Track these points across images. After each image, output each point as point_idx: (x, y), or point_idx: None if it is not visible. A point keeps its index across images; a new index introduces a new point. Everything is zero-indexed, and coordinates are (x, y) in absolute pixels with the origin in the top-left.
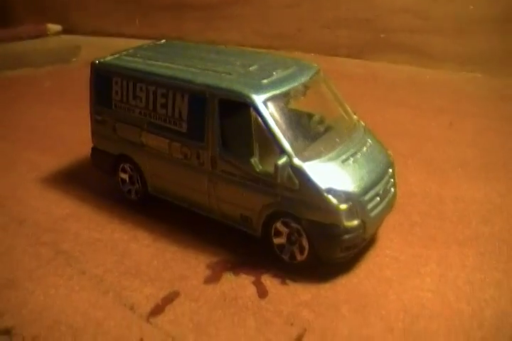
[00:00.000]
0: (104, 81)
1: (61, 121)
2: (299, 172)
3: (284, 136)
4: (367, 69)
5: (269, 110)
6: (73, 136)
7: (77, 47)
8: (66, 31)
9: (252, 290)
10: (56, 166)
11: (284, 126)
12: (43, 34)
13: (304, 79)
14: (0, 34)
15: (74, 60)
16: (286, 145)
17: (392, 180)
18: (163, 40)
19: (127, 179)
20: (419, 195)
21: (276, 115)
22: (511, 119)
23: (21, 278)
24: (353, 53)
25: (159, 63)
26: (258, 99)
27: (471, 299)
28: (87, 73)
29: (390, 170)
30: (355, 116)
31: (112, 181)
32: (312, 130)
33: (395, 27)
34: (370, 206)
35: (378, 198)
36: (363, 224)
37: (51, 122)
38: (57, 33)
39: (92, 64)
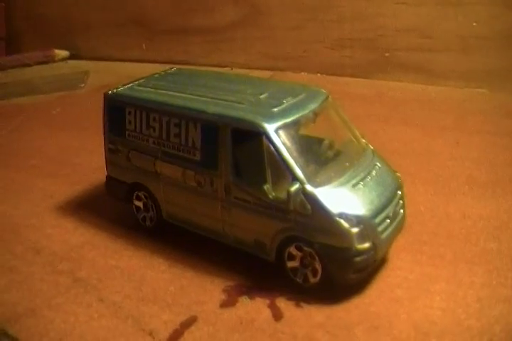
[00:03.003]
0: (117, 111)
1: (72, 149)
2: (311, 198)
3: (296, 164)
4: (372, 89)
5: (280, 138)
6: (85, 164)
7: (85, 73)
8: (73, 57)
9: (267, 313)
10: (70, 194)
11: (295, 154)
12: (50, 60)
13: (313, 106)
14: (7, 60)
15: (82, 85)
16: (299, 172)
17: (401, 201)
18: (173, 69)
19: (142, 206)
20: (427, 214)
21: (288, 143)
22: None
23: (40, 307)
24: (358, 73)
25: (171, 93)
26: (270, 128)
27: (480, 316)
28: (95, 99)
29: (399, 192)
30: (363, 140)
31: (126, 208)
32: (322, 155)
33: (398, 46)
34: (380, 228)
35: (388, 220)
36: (374, 246)
37: (62, 149)
38: (65, 59)
39: (105, 94)
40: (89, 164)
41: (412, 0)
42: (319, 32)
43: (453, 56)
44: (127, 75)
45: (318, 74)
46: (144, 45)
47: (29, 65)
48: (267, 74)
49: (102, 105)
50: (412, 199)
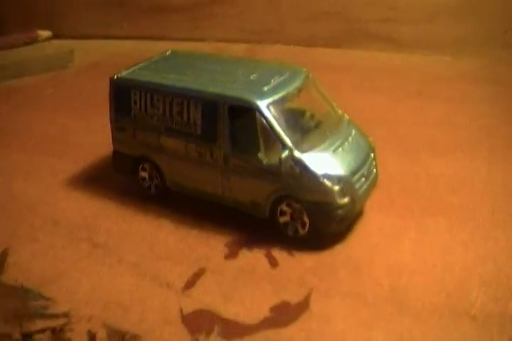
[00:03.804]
0: (122, 93)
1: (70, 128)
2: (299, 162)
3: (285, 134)
4: (343, 58)
5: (271, 113)
6: (85, 142)
7: (71, 52)
8: (56, 36)
9: (265, 261)
10: (76, 170)
11: (284, 125)
12: (34, 41)
13: (297, 83)
14: None
15: (69, 64)
16: (288, 141)
17: (374, 162)
18: (168, 51)
19: (147, 176)
20: (396, 174)
21: (277, 116)
22: (477, 100)
23: (67, 270)
24: (330, 43)
25: (172, 76)
26: (262, 104)
27: (443, 257)
28: (85, 78)
29: (372, 155)
30: (339, 111)
31: (131, 181)
32: (305, 125)
33: (367, 17)
34: (357, 185)
35: (364, 178)
36: (353, 200)
37: (60, 129)
38: (48, 39)
39: (111, 79)
40: (89, 142)
41: None
42: (292, 5)
43: (418, 25)
44: (111, 52)
45: (292, 46)
46: (124, 24)
47: (14, 47)
48: (244, 46)
49: (91, 83)
50: (383, 161)
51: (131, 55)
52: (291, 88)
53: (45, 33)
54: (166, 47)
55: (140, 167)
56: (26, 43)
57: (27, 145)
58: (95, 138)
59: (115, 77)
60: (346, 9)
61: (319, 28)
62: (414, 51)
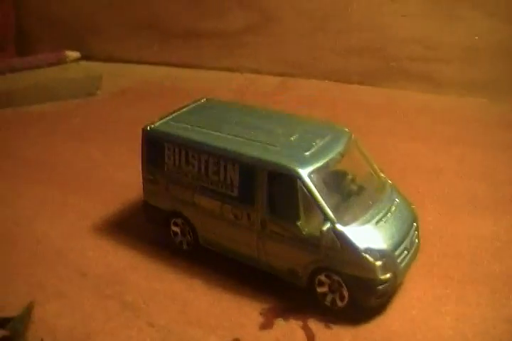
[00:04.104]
0: (155, 146)
1: (98, 162)
2: (341, 236)
3: (327, 205)
4: (378, 97)
5: (313, 182)
6: (116, 179)
7: (99, 78)
8: (84, 57)
9: (301, 334)
10: (105, 213)
11: (326, 195)
12: (62, 61)
13: (340, 148)
14: (18, 62)
15: (98, 92)
16: (330, 213)
17: (417, 232)
18: (203, 99)
19: (179, 232)
20: (436, 235)
21: (319, 185)
22: None
23: (96, 331)
24: (365, 80)
25: (207, 131)
26: (304, 172)
27: (486, 335)
28: (113, 106)
29: (415, 224)
30: (382, 175)
31: (163, 231)
32: (347, 189)
33: (404, 55)
34: (399, 259)
35: (406, 252)
36: (395, 275)
37: (88, 163)
38: (76, 60)
39: (143, 130)
40: (118, 180)
41: (417, 12)
42: (328, 40)
43: (455, 66)
44: (141, 79)
45: (327, 81)
46: (155, 46)
47: (40, 67)
48: (277, 79)
49: (119, 112)
50: (422, 219)
51: (161, 83)
52: (334, 153)
53: (73, 54)
54: (197, 76)
55: (172, 222)
56: (54, 64)
57: (54, 181)
58: (125, 176)
59: (148, 128)
60: (383, 45)
61: (355, 64)
62: (451, 92)
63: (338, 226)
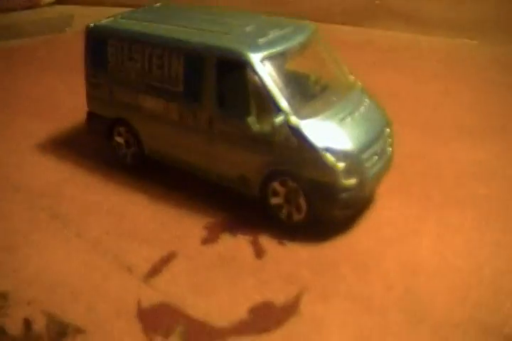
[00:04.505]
0: (99, 44)
1: (56, 89)
2: (296, 131)
3: (281, 95)
4: (362, 36)
5: (266, 68)
6: (68, 103)
7: (70, 17)
8: (59, 1)
9: (249, 250)
10: (52, 132)
11: (280, 85)
12: (37, 4)
13: (300, 38)
14: None
15: (67, 29)
16: (283, 103)
17: (390, 139)
18: (158, 3)
19: (123, 142)
20: (416, 156)
21: (273, 74)
22: (507, 85)
23: (18, 243)
24: (348, 20)
25: (155, 24)
26: (255, 57)
27: (469, 258)
28: (81, 42)
29: (388, 130)
30: (352, 76)
31: (107, 146)
32: (309, 90)
33: None
34: (367, 164)
35: (376, 157)
36: (361, 183)
37: (46, 89)
38: (50, 3)
39: (87, 27)
40: (72, 104)
41: None
42: None
43: (444, 6)
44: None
45: (308, 21)
46: None
47: (15, 10)
48: None
49: None
50: (401, 141)
51: None
52: (292, 43)
53: None
54: None
55: (116, 131)
56: (28, 7)
57: (6, 104)
58: (77, 101)
59: (91, 25)
60: None
61: (337, 3)
62: (439, 33)
63: (293, 119)
